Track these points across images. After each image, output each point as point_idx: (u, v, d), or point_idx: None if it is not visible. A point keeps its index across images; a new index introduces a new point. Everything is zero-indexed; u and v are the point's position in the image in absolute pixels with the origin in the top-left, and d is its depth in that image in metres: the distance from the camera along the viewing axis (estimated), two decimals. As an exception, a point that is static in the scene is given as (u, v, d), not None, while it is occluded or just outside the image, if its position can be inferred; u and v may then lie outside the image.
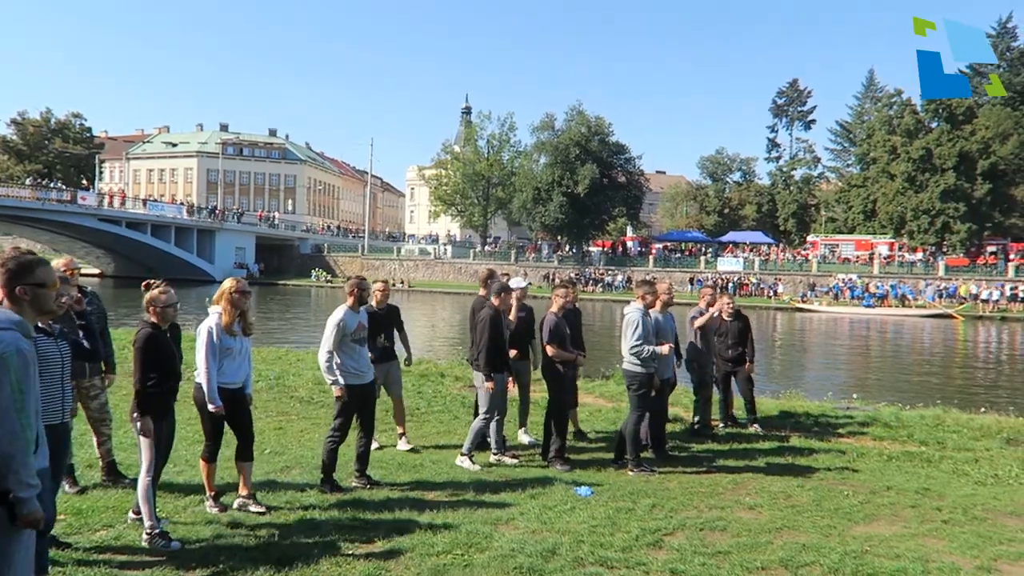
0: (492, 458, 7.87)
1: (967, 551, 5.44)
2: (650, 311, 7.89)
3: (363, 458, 6.78)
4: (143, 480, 5.10)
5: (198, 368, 5.66)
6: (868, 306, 48.98)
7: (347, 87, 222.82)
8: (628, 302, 8.11)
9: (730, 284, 55.94)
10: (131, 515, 5.39)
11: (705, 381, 9.45)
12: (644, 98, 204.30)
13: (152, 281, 5.34)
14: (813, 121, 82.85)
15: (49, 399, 3.92)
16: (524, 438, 8.87)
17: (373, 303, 7.78)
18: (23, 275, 3.11)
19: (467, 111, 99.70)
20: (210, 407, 5.61)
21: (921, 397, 14.55)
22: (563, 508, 6.12)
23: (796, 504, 6.55)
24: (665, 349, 7.80)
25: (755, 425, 9.78)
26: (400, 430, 8.40)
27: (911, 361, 26.84)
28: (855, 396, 12.81)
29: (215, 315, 5.74)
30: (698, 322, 9.44)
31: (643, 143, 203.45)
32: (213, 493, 5.81)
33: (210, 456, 5.81)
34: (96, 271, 69.55)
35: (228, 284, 5.85)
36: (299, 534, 5.23)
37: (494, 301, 7.72)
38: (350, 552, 4.95)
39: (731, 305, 10.09)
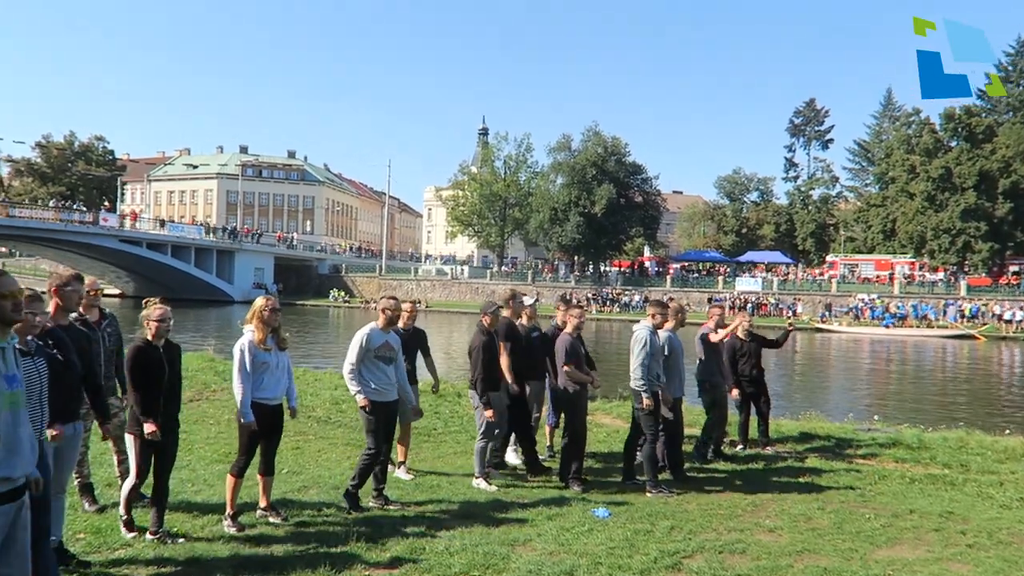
0: (474, 480, 7.76)
1: (992, 576, 5.35)
2: (659, 331, 7.90)
3: (380, 477, 6.79)
4: (128, 483, 5.49)
5: (233, 384, 5.86)
6: (888, 326, 48.47)
7: (365, 109, 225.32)
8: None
9: (748, 304, 55.61)
10: (148, 536, 5.48)
11: (717, 401, 9.34)
12: (661, 118, 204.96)
13: (149, 300, 5.59)
14: (831, 140, 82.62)
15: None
16: (513, 459, 8.76)
17: (400, 324, 7.70)
18: None
19: (484, 132, 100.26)
20: (242, 420, 5.80)
21: (944, 419, 14.36)
22: (581, 529, 6.08)
23: (816, 527, 6.46)
24: (645, 403, 7.64)
25: (769, 447, 9.70)
26: (401, 457, 8.08)
27: (933, 382, 26.49)
28: (876, 418, 12.64)
29: (248, 333, 5.93)
30: (715, 337, 9.35)
31: (660, 163, 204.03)
32: (232, 512, 5.85)
33: (239, 471, 5.91)
34: (117, 291, 70.36)
35: (259, 303, 6.04)
36: (317, 554, 5.23)
37: (485, 321, 7.78)
38: (367, 572, 4.96)
39: (749, 324, 10.05)
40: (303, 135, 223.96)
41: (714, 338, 9.35)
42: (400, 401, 7.62)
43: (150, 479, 5.53)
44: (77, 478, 6.18)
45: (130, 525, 5.51)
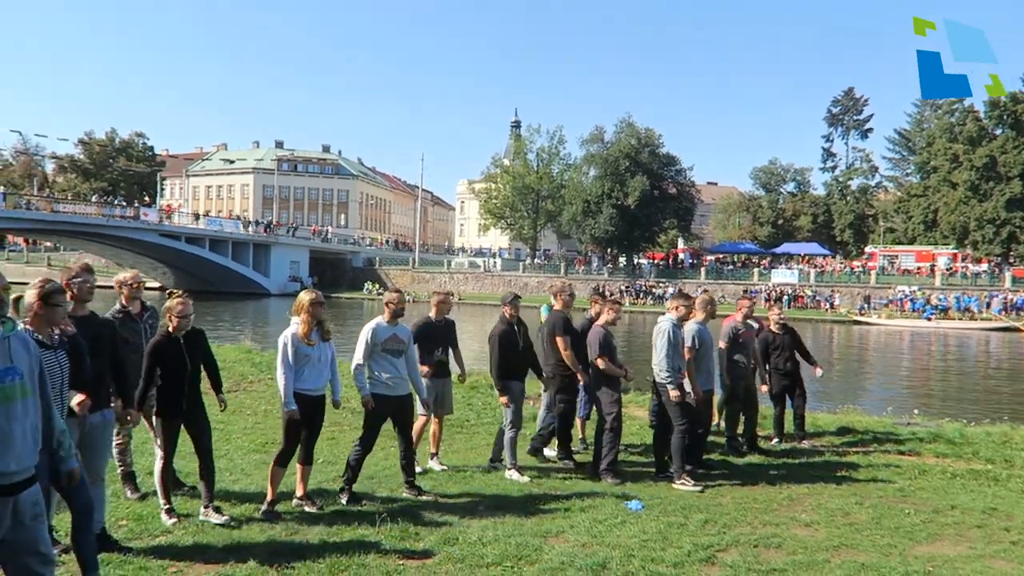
0: (507, 473, 7.77)
1: (1038, 574, 5.22)
2: (684, 323, 7.88)
3: (408, 469, 6.84)
4: (157, 464, 5.74)
5: (276, 374, 6.05)
6: (929, 318, 47.46)
7: (398, 103, 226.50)
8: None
9: (784, 296, 54.88)
10: (201, 509, 5.76)
11: (735, 394, 9.21)
12: (695, 109, 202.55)
13: (172, 291, 5.79)
14: (870, 130, 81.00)
15: None
16: (548, 451, 8.78)
17: (432, 315, 7.71)
18: None
19: (516, 125, 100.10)
20: (284, 410, 5.96)
21: (987, 413, 14.03)
22: (613, 522, 6.06)
23: (854, 522, 6.36)
24: (672, 395, 7.61)
25: (805, 441, 9.58)
26: (433, 448, 8.05)
27: (976, 376, 25.91)
28: (916, 412, 12.40)
29: (294, 325, 6.04)
30: (723, 330, 9.32)
31: (694, 154, 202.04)
32: (272, 499, 5.96)
33: (283, 460, 6.05)
34: (158, 284, 71.84)
35: (305, 297, 6.13)
36: (351, 543, 5.29)
37: (505, 311, 7.85)
38: (401, 562, 4.99)
39: (780, 315, 9.90)
40: (337, 130, 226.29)
41: (722, 335, 9.23)
42: (438, 393, 7.68)
43: (193, 466, 5.65)
44: (120, 467, 6.33)
45: (171, 512, 5.65)
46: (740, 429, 9.31)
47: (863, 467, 8.42)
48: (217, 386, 6.02)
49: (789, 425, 9.92)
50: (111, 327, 5.47)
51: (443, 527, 5.76)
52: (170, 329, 5.60)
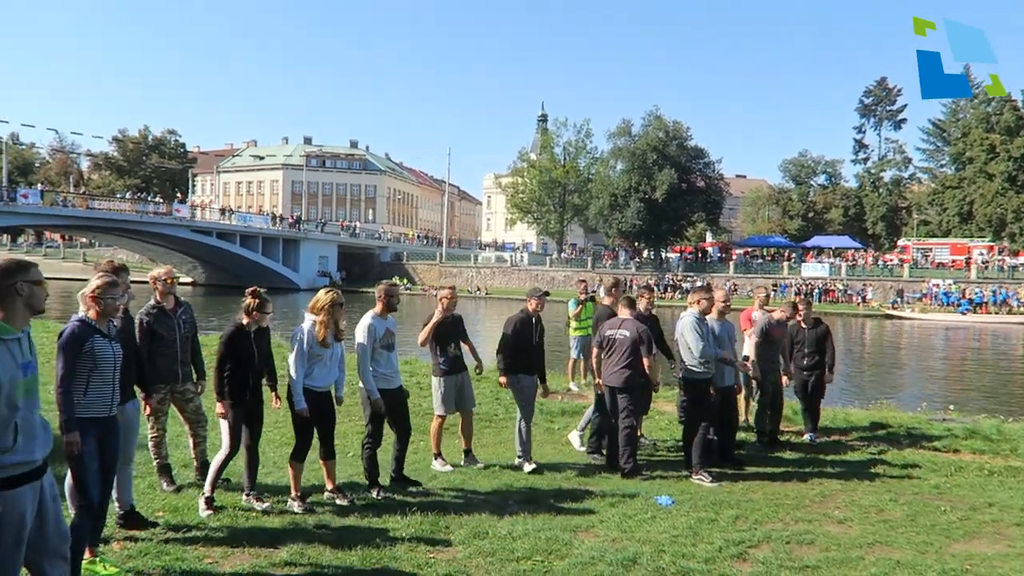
0: (516, 461, 7.90)
1: (1078, 573, 5.10)
2: (706, 317, 7.85)
3: (399, 460, 7.00)
4: (219, 456, 5.85)
5: (288, 370, 6.06)
6: (964, 312, 46.56)
7: (425, 97, 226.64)
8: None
9: (815, 290, 54.18)
10: (243, 495, 5.97)
11: (763, 388, 9.16)
12: (724, 101, 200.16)
13: (258, 289, 5.98)
14: (903, 120, 79.41)
15: (100, 394, 4.41)
16: (576, 443, 8.86)
17: (440, 312, 7.64)
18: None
19: (543, 119, 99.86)
20: (296, 409, 6.00)
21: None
22: (643, 517, 6.05)
23: (889, 519, 6.28)
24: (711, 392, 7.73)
25: (809, 435, 9.45)
26: (464, 446, 8.09)
27: (1013, 371, 25.38)
28: (952, 407, 12.19)
29: (310, 321, 6.05)
30: (754, 325, 9.30)
31: (722, 147, 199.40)
32: (299, 493, 6.04)
33: (299, 456, 6.11)
34: (190, 280, 72.88)
35: (325, 298, 6.10)
36: (381, 535, 5.33)
37: (530, 304, 7.88)
38: (431, 554, 5.03)
39: (803, 311, 9.77)
40: (365, 125, 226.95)
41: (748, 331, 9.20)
42: (458, 388, 7.70)
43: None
44: (156, 459, 6.44)
45: (210, 502, 5.75)
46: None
47: (897, 464, 8.31)
48: (273, 383, 6.15)
49: (826, 419, 9.80)
50: (131, 320, 5.65)
51: (473, 521, 5.77)
52: (243, 322, 5.85)
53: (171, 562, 4.63)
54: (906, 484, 7.50)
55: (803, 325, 9.66)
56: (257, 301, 5.87)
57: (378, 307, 6.80)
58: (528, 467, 7.69)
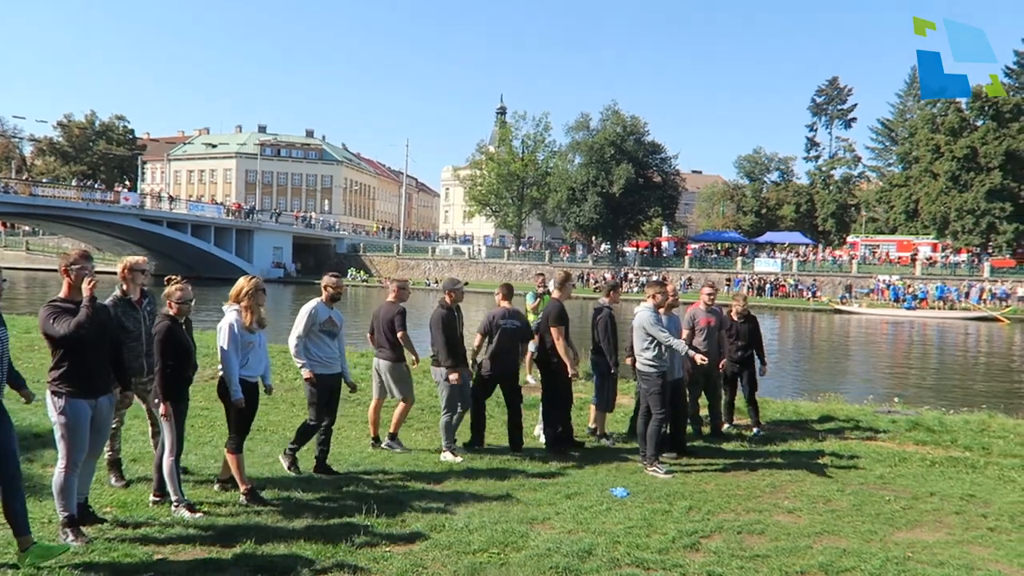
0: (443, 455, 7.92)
1: (1014, 559, 5.32)
2: (660, 311, 8.01)
3: (324, 444, 6.97)
4: (168, 460, 5.48)
5: (222, 363, 5.88)
6: (909, 308, 47.99)
7: (383, 88, 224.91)
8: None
9: (767, 285, 55.26)
10: (152, 498, 5.70)
11: (694, 379, 9.20)
12: (681, 97, 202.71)
13: (171, 277, 5.69)
14: (854, 119, 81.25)
15: None
16: (538, 432, 8.95)
17: (391, 301, 8.11)
18: None
19: (502, 112, 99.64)
20: (233, 400, 5.85)
21: (965, 401, 14.23)
22: (599, 509, 6.11)
23: (836, 508, 6.46)
24: (682, 349, 7.89)
25: (755, 430, 9.62)
26: (392, 429, 8.31)
27: (955, 365, 26.25)
28: (897, 400, 12.56)
29: (234, 312, 5.96)
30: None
31: (679, 142, 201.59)
32: (247, 488, 5.90)
33: (236, 447, 5.99)
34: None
35: (246, 284, 6.05)
36: (338, 529, 5.28)
37: (447, 296, 8.04)
38: (386, 548, 4.99)
39: (744, 306, 9.95)
40: (321, 115, 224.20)
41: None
42: (394, 379, 7.86)
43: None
44: (108, 452, 6.20)
45: (192, 508, 5.49)
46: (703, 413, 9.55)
47: (844, 454, 8.53)
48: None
49: (775, 411, 10.01)
50: (109, 313, 5.38)
51: (430, 514, 5.77)
52: (172, 314, 5.56)
53: (120, 557, 4.53)
54: (852, 475, 7.71)
55: (735, 318, 9.84)
56: (176, 287, 5.58)
57: (324, 296, 7.07)
58: (451, 457, 7.78)
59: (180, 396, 5.58)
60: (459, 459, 7.74)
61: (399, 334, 7.91)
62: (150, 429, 6.48)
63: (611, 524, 5.71)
